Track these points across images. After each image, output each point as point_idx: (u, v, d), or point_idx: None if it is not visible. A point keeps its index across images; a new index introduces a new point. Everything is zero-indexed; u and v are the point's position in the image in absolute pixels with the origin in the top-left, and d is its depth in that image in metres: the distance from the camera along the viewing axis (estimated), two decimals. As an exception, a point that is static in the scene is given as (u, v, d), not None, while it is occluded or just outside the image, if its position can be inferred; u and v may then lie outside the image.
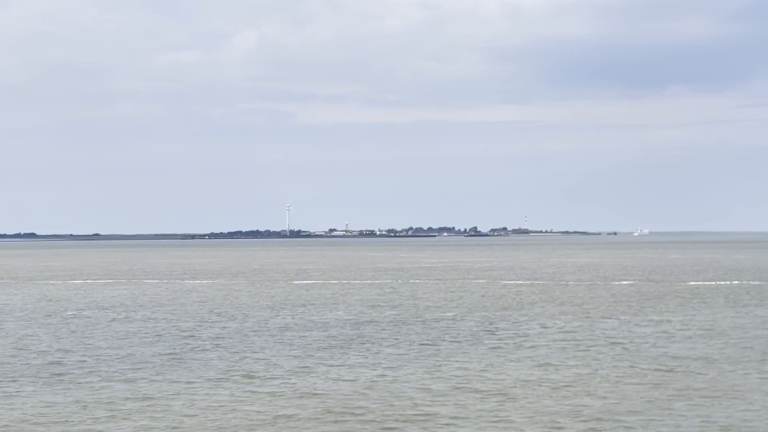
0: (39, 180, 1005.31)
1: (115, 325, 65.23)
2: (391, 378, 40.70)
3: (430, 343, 52.94)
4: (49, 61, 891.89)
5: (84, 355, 49.03)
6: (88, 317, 71.37)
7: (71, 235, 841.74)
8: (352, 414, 33.32)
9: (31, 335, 59.30)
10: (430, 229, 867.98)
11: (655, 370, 42.21)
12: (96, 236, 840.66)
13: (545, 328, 60.33)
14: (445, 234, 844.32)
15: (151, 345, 53.26)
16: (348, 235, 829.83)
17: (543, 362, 44.88)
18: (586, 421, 32.18)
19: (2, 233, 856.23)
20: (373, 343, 52.86)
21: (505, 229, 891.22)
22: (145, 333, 59.70)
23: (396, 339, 54.83)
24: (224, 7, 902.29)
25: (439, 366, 43.96)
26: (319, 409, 34.13)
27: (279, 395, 36.91)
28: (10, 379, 41.56)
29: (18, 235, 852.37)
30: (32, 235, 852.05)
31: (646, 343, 52.32)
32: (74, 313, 75.52)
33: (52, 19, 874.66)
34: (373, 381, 39.98)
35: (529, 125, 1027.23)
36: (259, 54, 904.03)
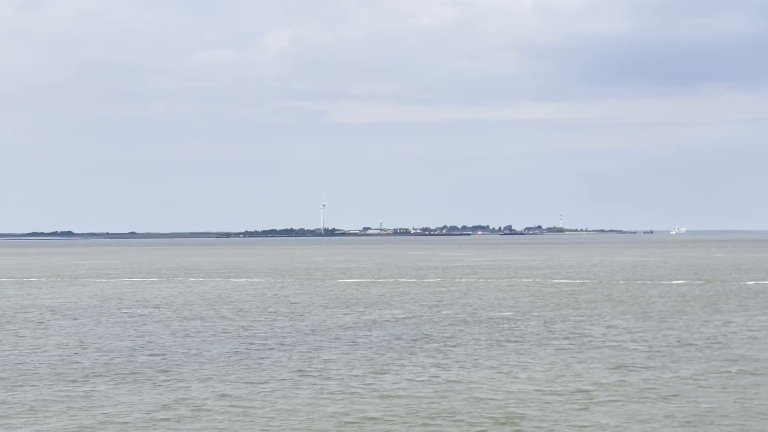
0: (75, 178, 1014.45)
1: (173, 323, 64.98)
2: (468, 379, 39.96)
3: (496, 343, 52.18)
4: (84, 60, 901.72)
5: (151, 354, 48.70)
6: (143, 315, 71.24)
7: (107, 233, 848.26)
8: (441, 417, 32.58)
9: (92, 333, 59.13)
10: (464, 228, 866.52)
11: (738, 372, 41.13)
12: (132, 234, 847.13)
13: (609, 328, 59.32)
14: (480, 232, 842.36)
15: (215, 344, 52.86)
16: (382, 233, 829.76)
17: (618, 364, 43.95)
18: (683, 426, 31.24)
19: (39, 231, 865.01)
20: (439, 343, 52.18)
21: (539, 227, 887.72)
22: (206, 331, 59.35)
23: (461, 339, 54.07)
24: (257, 6, 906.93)
25: (512, 367, 43.19)
26: (404, 411, 33.43)
27: (359, 396, 36.27)
28: (83, 378, 41.23)
29: (55, 233, 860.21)
30: (69, 233, 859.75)
31: (717, 343, 51.24)
32: (128, 311, 75.45)
33: (87, 19, 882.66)
34: (451, 382, 39.26)
35: (563, 123, 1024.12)
36: (291, 53, 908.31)
